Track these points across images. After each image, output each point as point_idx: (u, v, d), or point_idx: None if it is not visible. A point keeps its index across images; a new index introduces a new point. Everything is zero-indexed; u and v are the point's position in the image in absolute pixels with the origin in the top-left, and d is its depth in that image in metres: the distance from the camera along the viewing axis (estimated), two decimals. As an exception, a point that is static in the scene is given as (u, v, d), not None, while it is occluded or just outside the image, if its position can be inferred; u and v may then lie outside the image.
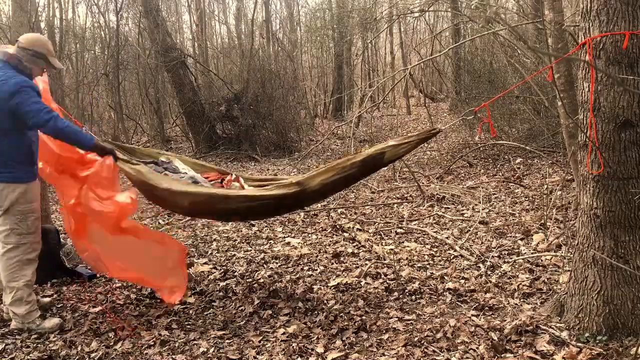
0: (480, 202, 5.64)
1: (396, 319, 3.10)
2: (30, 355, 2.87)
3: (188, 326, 3.18)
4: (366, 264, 4.05)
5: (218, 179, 3.70)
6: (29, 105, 3.01)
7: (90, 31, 13.75)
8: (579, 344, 2.60)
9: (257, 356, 2.78)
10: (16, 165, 3.10)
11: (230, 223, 5.46)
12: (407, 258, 4.19)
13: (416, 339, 2.82)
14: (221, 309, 3.43)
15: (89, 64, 13.06)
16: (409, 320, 3.08)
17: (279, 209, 3.74)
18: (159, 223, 5.77)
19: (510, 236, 4.57)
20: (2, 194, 3.08)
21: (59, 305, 3.58)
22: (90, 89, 11.97)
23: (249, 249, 4.73)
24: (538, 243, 4.28)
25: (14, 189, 3.10)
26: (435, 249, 4.41)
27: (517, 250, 4.20)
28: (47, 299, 3.55)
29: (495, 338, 2.73)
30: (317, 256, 4.39)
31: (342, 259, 4.30)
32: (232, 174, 3.74)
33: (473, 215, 5.28)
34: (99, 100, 12.57)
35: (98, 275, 4.13)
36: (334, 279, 3.79)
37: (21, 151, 3.13)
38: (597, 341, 2.59)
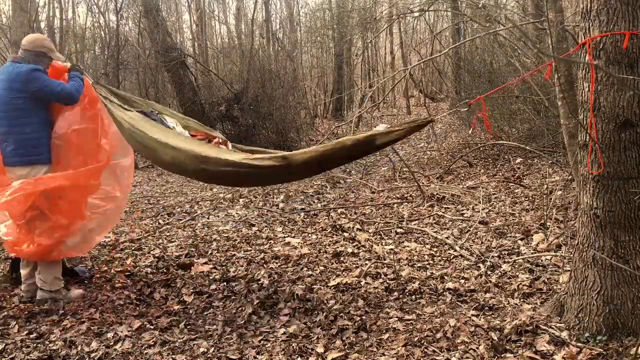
0: (480, 202, 5.64)
1: (396, 319, 3.10)
2: (30, 355, 2.87)
3: (188, 326, 3.18)
4: (366, 264, 4.05)
5: (205, 139, 3.67)
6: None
7: (90, 31, 13.75)
8: (579, 344, 2.60)
9: (257, 356, 2.78)
10: (37, 149, 3.43)
11: (229, 223, 5.46)
12: (407, 258, 4.19)
13: (416, 339, 2.82)
14: (221, 309, 3.43)
15: (89, 64, 13.07)
16: (409, 320, 3.08)
17: (264, 180, 3.73)
18: (158, 223, 5.77)
19: (510, 236, 4.57)
20: (30, 174, 3.36)
21: (60, 306, 3.58)
22: (90, 89, 11.95)
23: (249, 249, 4.73)
24: (538, 243, 4.28)
25: (40, 170, 3.42)
26: (435, 249, 4.41)
27: (517, 250, 4.20)
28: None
29: (495, 338, 2.73)
30: (317, 256, 4.39)
31: (342, 259, 4.30)
32: (219, 137, 3.71)
33: (473, 215, 5.28)
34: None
35: (97, 276, 4.14)
36: (334, 279, 3.79)
37: (38, 133, 3.45)
38: (597, 341, 2.59)
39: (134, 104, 3.85)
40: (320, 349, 2.78)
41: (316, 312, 3.26)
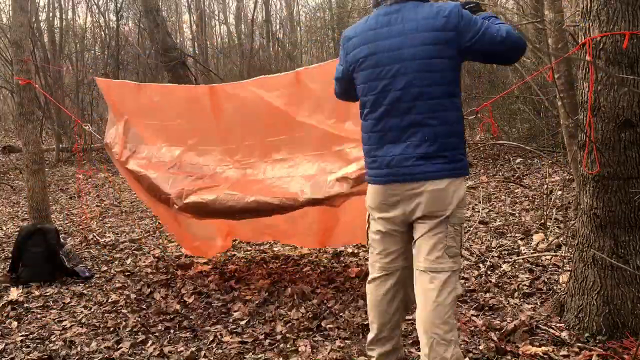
0: (480, 202, 5.64)
1: (396, 319, 3.09)
2: (30, 355, 2.87)
3: (187, 326, 3.18)
4: (366, 264, 4.04)
5: None
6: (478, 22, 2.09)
7: (90, 31, 13.75)
8: (579, 344, 2.60)
9: (258, 356, 2.78)
10: (461, 150, 2.18)
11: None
12: (407, 258, 4.18)
13: (416, 338, 2.82)
14: (221, 309, 3.42)
15: (89, 64, 13.07)
16: (409, 320, 3.08)
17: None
18: (158, 223, 5.77)
19: (510, 236, 4.57)
20: (446, 193, 2.14)
21: (60, 306, 3.58)
22: (90, 89, 11.98)
23: (249, 249, 4.73)
24: (538, 243, 4.28)
25: (459, 186, 2.17)
26: (435, 249, 4.40)
27: (517, 250, 4.20)
28: None
29: (495, 338, 2.73)
30: (317, 256, 4.39)
31: (342, 258, 4.30)
32: None
33: (473, 215, 5.28)
34: (99, 100, 12.58)
35: (97, 276, 4.14)
36: (333, 279, 3.79)
37: (461, 126, 2.20)
38: (597, 341, 2.59)
39: None
40: (320, 349, 2.78)
41: (316, 312, 3.25)
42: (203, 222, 3.84)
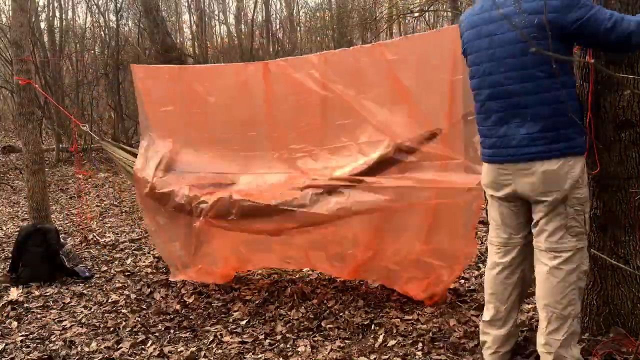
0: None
1: (396, 319, 3.10)
2: (30, 355, 2.87)
3: (187, 326, 3.18)
4: (366, 264, 4.04)
5: None
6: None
7: (90, 31, 13.75)
8: (579, 344, 2.59)
9: (257, 355, 2.78)
10: (572, 128, 2.18)
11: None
12: (407, 258, 4.18)
13: (416, 338, 2.82)
14: (221, 309, 3.42)
15: (89, 64, 13.07)
16: (409, 320, 3.08)
17: None
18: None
19: (510, 236, 4.56)
20: (559, 174, 2.15)
21: (60, 306, 3.58)
22: (90, 89, 11.98)
23: (249, 249, 4.72)
24: (538, 243, 4.26)
25: (574, 166, 2.19)
26: (435, 249, 4.40)
27: (517, 250, 4.19)
28: None
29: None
30: (317, 256, 4.38)
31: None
32: None
33: (473, 215, 5.27)
34: (99, 100, 12.59)
35: (97, 276, 4.14)
36: (334, 279, 3.79)
37: (574, 103, 2.24)
38: (597, 341, 2.59)
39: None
40: (320, 349, 2.78)
41: (316, 312, 3.26)
42: (217, 246, 3.66)
